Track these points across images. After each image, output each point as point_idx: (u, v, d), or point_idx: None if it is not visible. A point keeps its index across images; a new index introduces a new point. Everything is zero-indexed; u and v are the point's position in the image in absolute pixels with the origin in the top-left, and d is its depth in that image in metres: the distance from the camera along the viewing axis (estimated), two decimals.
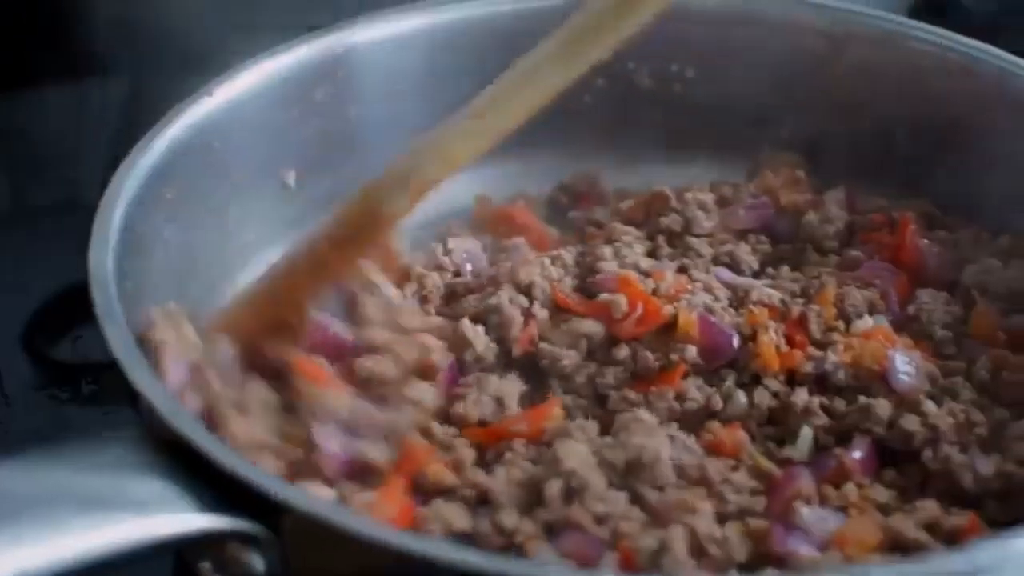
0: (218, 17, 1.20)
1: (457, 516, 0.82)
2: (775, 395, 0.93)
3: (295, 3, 1.17)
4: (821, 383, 0.93)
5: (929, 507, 0.84)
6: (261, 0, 1.19)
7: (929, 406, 0.90)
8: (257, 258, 1.04)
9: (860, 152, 1.11)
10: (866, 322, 0.97)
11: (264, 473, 0.75)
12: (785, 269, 1.04)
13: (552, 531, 0.81)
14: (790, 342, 0.95)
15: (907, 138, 1.09)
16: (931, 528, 0.83)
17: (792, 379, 0.94)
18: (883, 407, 0.90)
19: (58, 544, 0.69)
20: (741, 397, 0.92)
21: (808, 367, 0.94)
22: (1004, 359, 0.94)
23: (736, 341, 0.95)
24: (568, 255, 1.04)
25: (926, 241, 1.05)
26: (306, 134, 1.07)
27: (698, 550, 0.80)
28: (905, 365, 0.93)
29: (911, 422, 0.89)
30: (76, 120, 1.35)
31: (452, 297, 1.02)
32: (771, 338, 0.94)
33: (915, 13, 1.23)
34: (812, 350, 0.95)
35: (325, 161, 1.08)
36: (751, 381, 0.94)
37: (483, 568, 0.70)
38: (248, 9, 1.19)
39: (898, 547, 0.82)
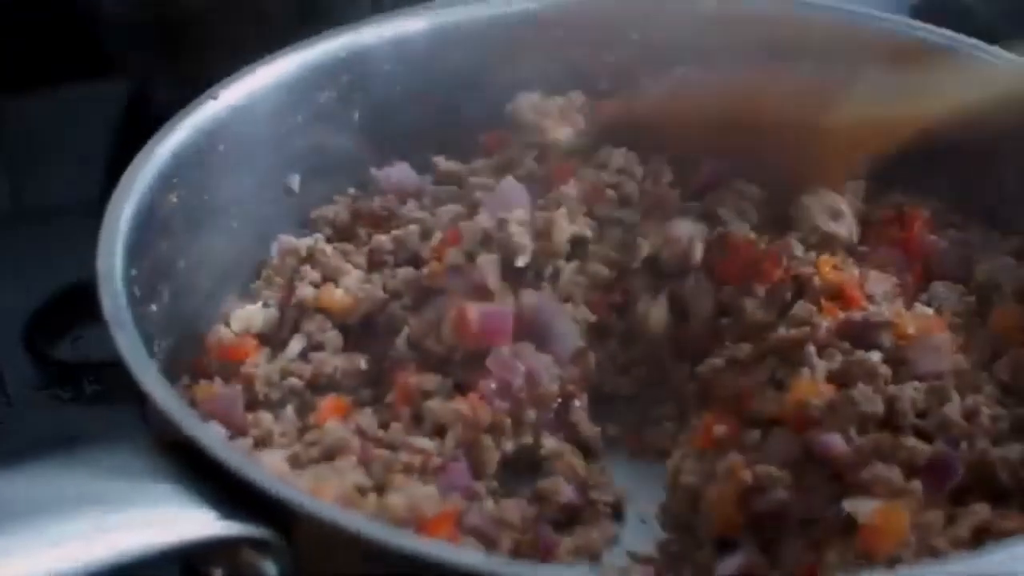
0: (220, 19, 1.20)
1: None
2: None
3: (299, 6, 1.17)
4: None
5: (981, 510, 0.84)
6: (264, 2, 1.19)
7: (959, 399, 0.90)
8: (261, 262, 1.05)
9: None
10: (926, 309, 0.98)
11: (275, 478, 0.75)
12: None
13: None
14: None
15: (910, 138, 1.09)
16: (984, 531, 0.82)
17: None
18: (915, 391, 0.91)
19: (68, 552, 0.69)
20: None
21: (857, 316, 0.95)
22: None
23: None
24: None
25: (934, 237, 1.05)
26: (310, 138, 1.06)
27: None
28: (936, 351, 0.94)
29: (953, 411, 0.89)
30: (76, 120, 1.35)
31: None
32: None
33: (916, 13, 1.23)
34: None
35: (329, 165, 1.08)
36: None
37: (497, 572, 0.70)
38: (251, 11, 1.19)
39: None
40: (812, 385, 0.91)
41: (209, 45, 1.19)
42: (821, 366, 0.92)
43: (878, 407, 0.88)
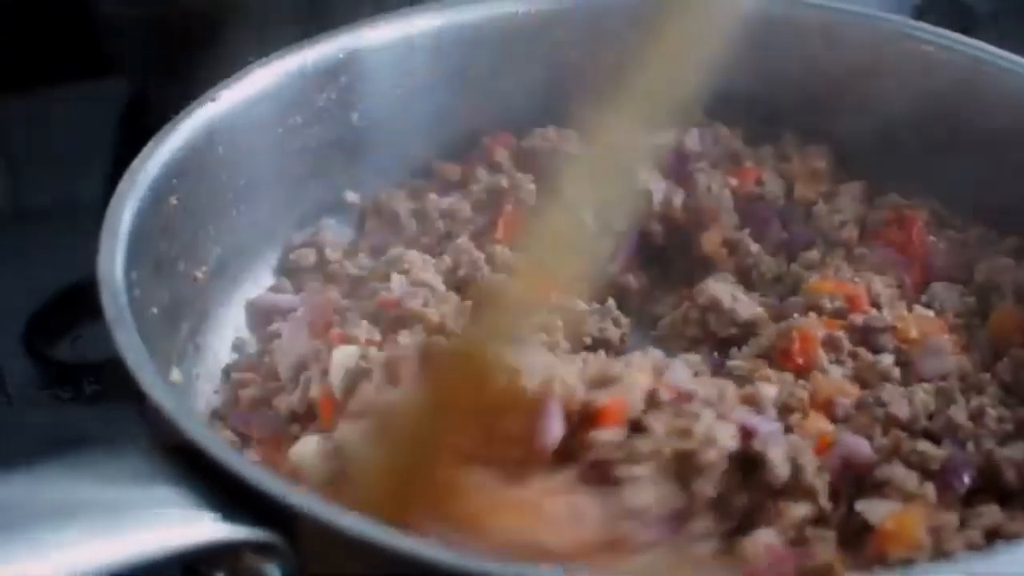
0: (220, 19, 1.20)
1: None
2: None
3: (299, 6, 1.17)
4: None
5: (991, 512, 0.84)
6: (264, 2, 1.19)
7: (964, 400, 0.91)
8: (260, 264, 1.05)
9: (863, 153, 1.12)
10: (927, 311, 0.99)
11: (278, 480, 0.75)
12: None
13: None
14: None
15: (910, 139, 1.09)
16: (994, 533, 0.83)
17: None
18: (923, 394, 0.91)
19: (71, 556, 0.69)
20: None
21: (859, 320, 0.96)
22: None
23: None
24: None
25: (933, 239, 1.05)
26: (309, 139, 1.06)
27: None
28: (938, 354, 0.94)
29: (959, 413, 0.89)
30: (76, 120, 1.35)
31: None
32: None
33: (916, 13, 1.23)
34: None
35: (328, 166, 1.08)
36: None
37: (498, 573, 0.70)
38: (251, 11, 1.19)
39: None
40: (839, 384, 0.91)
41: (209, 45, 1.19)
42: (835, 371, 0.93)
43: (905, 409, 0.89)
